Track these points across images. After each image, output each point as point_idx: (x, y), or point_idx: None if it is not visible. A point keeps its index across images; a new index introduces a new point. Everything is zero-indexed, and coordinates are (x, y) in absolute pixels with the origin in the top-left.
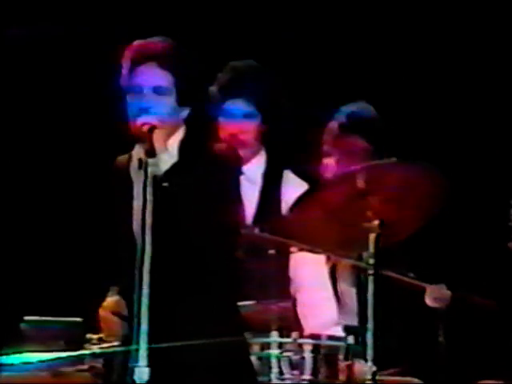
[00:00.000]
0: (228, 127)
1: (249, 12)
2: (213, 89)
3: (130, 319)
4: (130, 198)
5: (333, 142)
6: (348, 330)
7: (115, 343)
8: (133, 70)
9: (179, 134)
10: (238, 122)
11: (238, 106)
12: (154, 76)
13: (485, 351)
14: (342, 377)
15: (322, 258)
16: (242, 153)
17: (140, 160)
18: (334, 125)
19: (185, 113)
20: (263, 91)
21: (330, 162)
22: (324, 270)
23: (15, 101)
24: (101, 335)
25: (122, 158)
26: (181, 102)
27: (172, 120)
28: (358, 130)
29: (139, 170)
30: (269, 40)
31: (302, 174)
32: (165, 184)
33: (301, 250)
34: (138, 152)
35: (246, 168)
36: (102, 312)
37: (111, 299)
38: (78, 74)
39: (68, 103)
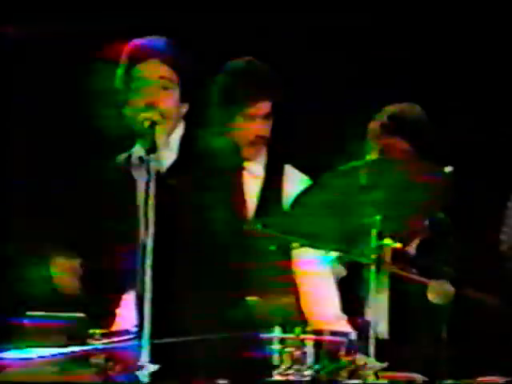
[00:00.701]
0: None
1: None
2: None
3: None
4: (132, 195)
5: (374, 142)
6: (351, 324)
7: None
8: (134, 66)
9: (179, 130)
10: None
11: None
12: (158, 71)
13: (488, 347)
14: (344, 372)
15: (323, 252)
16: (245, 148)
17: (141, 158)
18: (375, 125)
19: (185, 109)
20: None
21: None
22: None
23: (15, 98)
24: (104, 331)
25: (122, 156)
26: (183, 98)
27: (173, 116)
28: (400, 131)
29: (140, 168)
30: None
31: (303, 169)
32: (170, 181)
33: (302, 245)
34: (138, 150)
35: (247, 162)
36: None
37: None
38: (76, 72)
39: (65, 101)
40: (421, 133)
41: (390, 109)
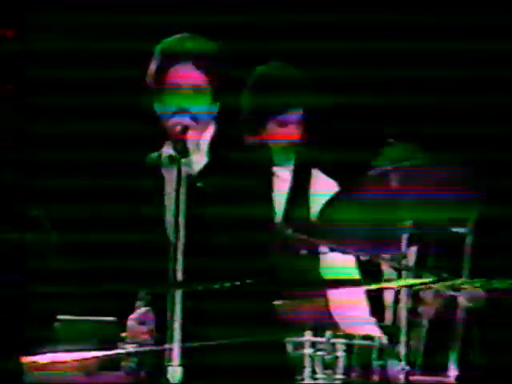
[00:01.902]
0: None
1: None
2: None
3: (157, 330)
4: (161, 195)
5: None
6: (382, 329)
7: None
8: (166, 69)
9: (210, 131)
10: None
11: None
12: (190, 75)
13: None
14: (375, 377)
15: (351, 257)
16: (275, 153)
17: (171, 157)
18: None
19: (215, 109)
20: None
21: None
22: (355, 269)
23: (49, 96)
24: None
25: (153, 156)
26: (214, 100)
27: (205, 119)
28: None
29: (170, 167)
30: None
31: (330, 174)
32: (199, 184)
33: (332, 250)
34: (168, 149)
35: (276, 168)
36: (128, 322)
37: (138, 311)
38: (112, 71)
39: (97, 102)
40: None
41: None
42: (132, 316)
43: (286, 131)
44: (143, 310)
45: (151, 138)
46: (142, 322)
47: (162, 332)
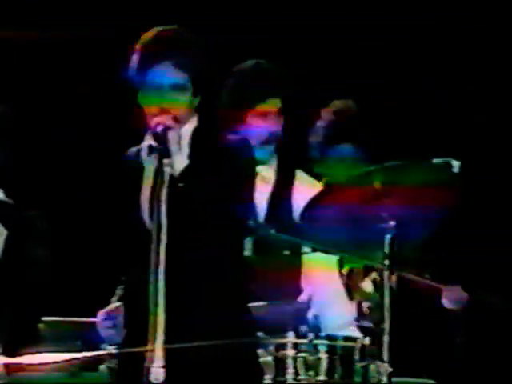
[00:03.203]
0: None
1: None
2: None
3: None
4: (140, 185)
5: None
6: (364, 331)
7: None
8: (147, 68)
9: (192, 124)
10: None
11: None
12: (170, 75)
13: (501, 352)
14: (357, 378)
15: (333, 258)
16: (258, 148)
17: (150, 146)
18: (316, 138)
19: (196, 102)
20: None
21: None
22: (336, 271)
23: (31, 94)
24: None
25: (134, 149)
26: (194, 95)
27: (186, 118)
28: (345, 139)
29: (149, 157)
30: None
31: (313, 174)
32: (180, 184)
33: (314, 250)
34: (148, 139)
35: (259, 168)
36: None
37: (110, 305)
38: (92, 67)
39: (80, 95)
40: (363, 136)
41: (330, 114)
42: (100, 312)
43: (266, 124)
44: (113, 305)
45: (132, 130)
46: (106, 318)
47: (131, 328)
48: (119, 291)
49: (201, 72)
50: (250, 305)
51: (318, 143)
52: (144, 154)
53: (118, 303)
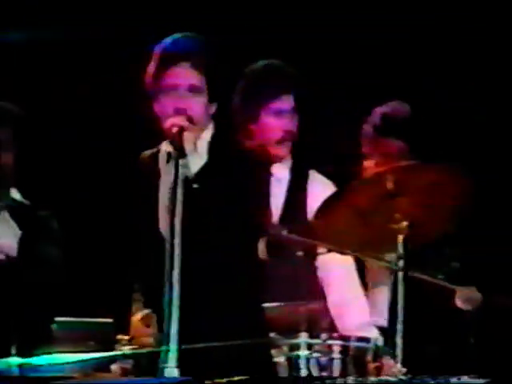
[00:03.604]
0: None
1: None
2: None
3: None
4: (157, 193)
5: (369, 145)
6: (378, 330)
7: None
8: (164, 70)
9: (208, 131)
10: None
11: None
12: (187, 76)
13: None
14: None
15: (350, 258)
16: (272, 147)
17: (169, 154)
18: (368, 127)
19: (213, 109)
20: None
21: (369, 164)
22: (353, 271)
23: (46, 97)
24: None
25: (149, 153)
26: (211, 99)
27: (202, 120)
28: (393, 132)
29: (168, 164)
30: (295, 39)
31: (327, 174)
32: (195, 185)
33: (329, 251)
34: (166, 145)
35: (275, 166)
36: (134, 327)
37: (142, 313)
38: (107, 73)
39: (93, 106)
40: (413, 130)
41: (381, 110)
42: (136, 318)
43: (279, 122)
44: (145, 312)
45: (148, 138)
46: (147, 325)
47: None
48: (138, 296)
49: (217, 75)
50: (264, 305)
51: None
52: (162, 161)
53: (148, 310)
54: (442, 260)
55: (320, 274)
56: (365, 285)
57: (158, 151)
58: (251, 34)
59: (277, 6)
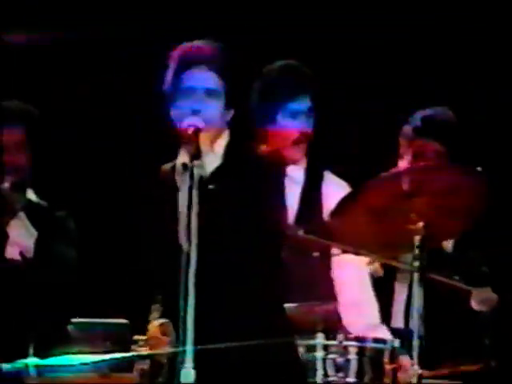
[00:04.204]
0: None
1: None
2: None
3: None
4: (176, 204)
5: (407, 146)
6: (394, 332)
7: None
8: (182, 73)
9: (224, 137)
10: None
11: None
12: (205, 78)
13: None
14: (387, 380)
15: (362, 259)
16: (288, 148)
17: (184, 164)
18: (408, 129)
19: (229, 115)
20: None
21: (403, 165)
22: (365, 272)
23: (63, 105)
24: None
25: (167, 166)
26: (228, 105)
27: (218, 123)
28: (433, 134)
29: (184, 174)
30: (311, 40)
31: (341, 175)
32: (211, 186)
33: (344, 252)
34: (182, 157)
35: (291, 167)
36: (151, 335)
37: (158, 321)
38: (123, 78)
39: (112, 108)
40: (453, 134)
41: (423, 112)
42: (153, 327)
43: (296, 123)
44: (162, 321)
45: (166, 148)
46: (163, 333)
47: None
48: (156, 307)
49: (235, 80)
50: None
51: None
52: (178, 172)
53: (166, 320)
54: (458, 261)
55: (333, 274)
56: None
57: (175, 164)
58: (269, 38)
59: (294, 8)
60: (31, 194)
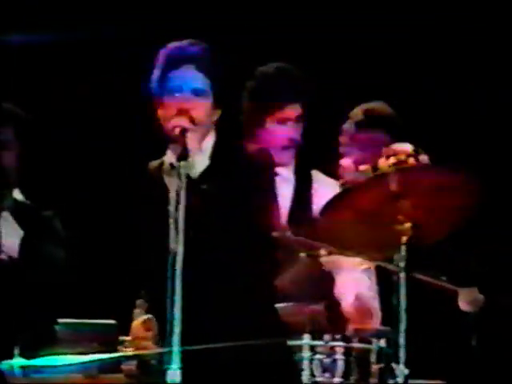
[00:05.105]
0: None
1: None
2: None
3: (160, 335)
4: (163, 202)
5: (350, 141)
6: (380, 333)
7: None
8: (168, 73)
9: (212, 137)
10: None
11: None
12: (192, 78)
13: None
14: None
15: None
16: (277, 153)
17: (172, 164)
18: (350, 124)
19: (216, 115)
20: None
21: (346, 162)
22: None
23: (46, 97)
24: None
25: (155, 163)
26: (215, 104)
27: (205, 123)
28: (377, 123)
29: (171, 174)
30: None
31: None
32: (203, 186)
33: (330, 253)
34: (169, 156)
35: (280, 168)
36: (135, 331)
37: (142, 317)
38: (109, 78)
39: (98, 107)
40: (395, 123)
41: (362, 106)
42: (136, 323)
43: (285, 129)
44: (146, 317)
45: (153, 145)
46: (147, 329)
47: (162, 339)
48: (141, 302)
49: (222, 79)
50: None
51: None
52: (166, 172)
53: (150, 315)
54: (444, 261)
55: (322, 274)
56: None
57: (163, 162)
58: (257, 38)
59: (287, 8)
60: (18, 194)
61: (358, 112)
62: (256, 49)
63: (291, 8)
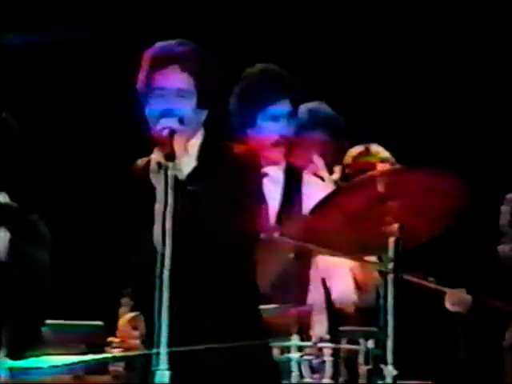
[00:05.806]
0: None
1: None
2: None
3: (147, 334)
4: (150, 201)
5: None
6: (368, 334)
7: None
8: (154, 73)
9: (199, 137)
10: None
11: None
12: (176, 79)
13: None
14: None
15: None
16: (268, 151)
17: (159, 163)
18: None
19: (203, 115)
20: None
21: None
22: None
23: (36, 105)
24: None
25: (141, 162)
26: (200, 104)
27: (192, 123)
28: (317, 125)
29: (158, 174)
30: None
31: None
32: (190, 188)
33: (320, 253)
34: (157, 156)
35: (268, 168)
36: (121, 329)
37: (129, 315)
38: (96, 78)
39: (85, 108)
40: (335, 123)
41: (304, 107)
42: (123, 320)
43: (276, 126)
44: (132, 314)
45: (140, 145)
46: (134, 327)
47: (149, 337)
48: (126, 301)
49: (208, 79)
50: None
51: None
52: (153, 171)
53: (136, 313)
54: (432, 262)
55: (311, 275)
56: None
57: (150, 160)
58: (242, 38)
59: (271, 11)
60: (3, 197)
61: (303, 111)
62: (246, 50)
63: (277, 8)
